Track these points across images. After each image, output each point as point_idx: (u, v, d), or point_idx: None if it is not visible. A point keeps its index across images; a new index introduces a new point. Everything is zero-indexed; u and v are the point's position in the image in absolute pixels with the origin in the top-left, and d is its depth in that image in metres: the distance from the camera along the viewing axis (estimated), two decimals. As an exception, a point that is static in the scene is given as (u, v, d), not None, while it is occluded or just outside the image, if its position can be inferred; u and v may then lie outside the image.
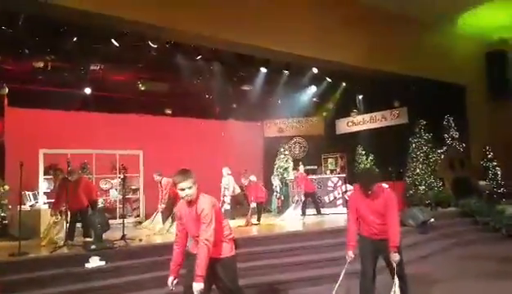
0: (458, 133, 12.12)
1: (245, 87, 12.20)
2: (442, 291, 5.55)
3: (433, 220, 9.09)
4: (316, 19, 9.50)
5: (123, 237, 6.88)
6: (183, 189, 3.16)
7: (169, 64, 9.84)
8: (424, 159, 11.48)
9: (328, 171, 13.55)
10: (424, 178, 11.33)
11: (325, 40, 9.47)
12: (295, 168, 13.12)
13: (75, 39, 8.40)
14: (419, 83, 11.37)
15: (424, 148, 11.55)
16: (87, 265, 5.56)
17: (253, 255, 6.52)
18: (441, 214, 10.28)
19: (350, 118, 14.30)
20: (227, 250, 3.39)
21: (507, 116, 12.63)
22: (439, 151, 11.78)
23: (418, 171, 11.42)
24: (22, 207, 6.62)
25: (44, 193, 9.44)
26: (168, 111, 12.54)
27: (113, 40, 8.51)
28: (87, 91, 10.92)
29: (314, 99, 14.09)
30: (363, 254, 4.29)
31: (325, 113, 14.95)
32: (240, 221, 9.55)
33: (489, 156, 12.34)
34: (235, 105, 13.35)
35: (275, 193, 12.19)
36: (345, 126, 14.55)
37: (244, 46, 8.86)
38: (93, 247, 5.99)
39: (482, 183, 11.87)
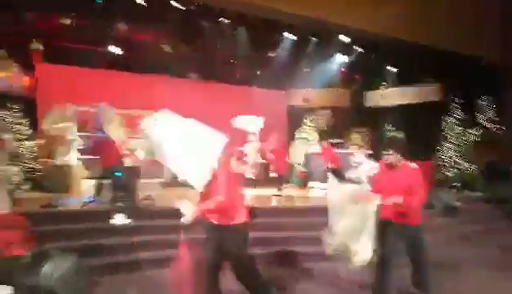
0: (494, 114, 11.42)
1: (271, 54, 11.76)
2: (465, 279, 5.39)
3: (459, 203, 8.73)
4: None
5: (149, 196, 7.09)
6: None
7: (195, 26, 9.54)
8: (456, 140, 10.92)
9: (352, 146, 13.11)
10: (454, 159, 10.81)
11: (356, 7, 8.90)
12: (320, 141, 12.82)
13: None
14: (455, 59, 10.64)
15: (458, 128, 10.97)
16: (112, 222, 5.77)
17: (272, 225, 6.55)
18: (469, 198, 9.86)
19: (380, 91, 13.68)
20: (240, 216, 3.43)
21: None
22: (472, 132, 11.17)
23: (449, 151, 10.89)
24: (54, 161, 6.84)
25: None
26: (193, 75, 12.27)
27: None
28: (115, 49, 10.81)
29: (343, 69, 13.50)
30: (383, 238, 4.05)
31: (353, 85, 14.35)
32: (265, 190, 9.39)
33: (527, 140, 11.64)
34: (259, 72, 12.95)
35: (296, 165, 11.95)
36: (374, 99, 13.95)
37: (271, 11, 8.44)
38: (119, 204, 6.14)
39: (516, 168, 11.25)
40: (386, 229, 4.02)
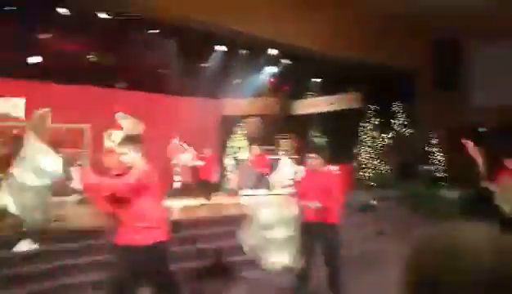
0: (405, 119, 12.71)
1: (202, 64, 12.06)
2: (382, 274, 5.72)
3: (375, 202, 9.60)
4: (276, 3, 9.52)
5: (58, 218, 6.18)
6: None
7: (123, 36, 9.55)
8: (372, 143, 12.00)
9: (281, 153, 13.78)
10: (370, 161, 11.86)
11: (283, 24, 9.52)
12: (250, 148, 13.31)
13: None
14: (372, 69, 11.74)
15: (373, 132, 12.07)
16: (15, 249, 5.07)
17: (200, 237, 6.57)
18: (384, 196, 10.85)
19: (306, 100, 14.54)
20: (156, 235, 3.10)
21: (452, 104, 13.37)
22: (387, 136, 12.34)
23: (366, 154, 11.93)
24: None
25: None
26: (121, 84, 12.16)
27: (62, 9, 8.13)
28: (36, 59, 10.40)
29: (271, 79, 14.17)
30: (304, 241, 4.18)
31: (281, 94, 15.08)
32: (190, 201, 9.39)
33: (433, 142, 13.07)
34: (191, 82, 13.16)
35: (227, 173, 12.31)
36: (301, 107, 14.78)
37: (202, 24, 8.74)
38: (24, 228, 5.24)
39: (424, 167, 12.59)
40: (307, 231, 4.16)
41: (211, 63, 11.70)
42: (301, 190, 4.41)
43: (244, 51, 11.30)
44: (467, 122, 13.07)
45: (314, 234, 4.18)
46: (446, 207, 10.64)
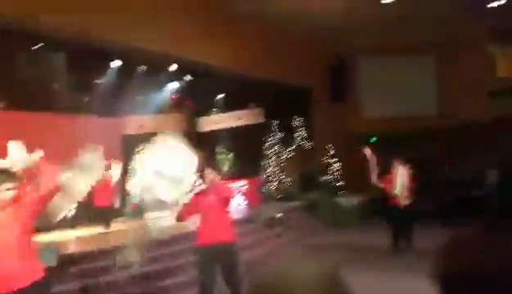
0: (305, 132, 13.36)
1: (98, 80, 11.35)
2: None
3: (281, 214, 9.85)
4: (176, 17, 9.36)
5: None
6: None
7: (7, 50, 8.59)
8: (276, 157, 12.37)
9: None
10: (275, 175, 12.19)
11: (183, 38, 9.39)
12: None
13: None
14: (272, 86, 12.16)
15: (276, 146, 12.46)
16: None
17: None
18: (289, 208, 11.23)
19: (211, 117, 14.51)
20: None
21: (345, 116, 14.45)
22: (289, 149, 12.83)
23: (271, 168, 12.24)
24: None
25: None
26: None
27: None
28: None
29: (175, 95, 13.87)
30: (201, 266, 4.20)
31: (185, 110, 14.84)
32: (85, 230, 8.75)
33: (331, 153, 13.91)
34: (87, 99, 12.29)
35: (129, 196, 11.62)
36: (206, 124, 14.70)
37: (94, 39, 8.22)
38: None
39: (324, 178, 13.31)
40: (203, 255, 4.17)
41: (107, 79, 11.05)
42: (192, 208, 4.30)
43: (142, 67, 10.89)
44: (359, 132, 14.20)
45: (213, 257, 4.11)
46: (345, 213, 11.37)
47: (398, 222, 7.45)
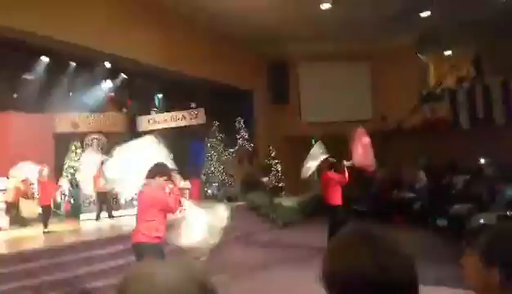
0: (247, 134, 13.44)
1: (27, 76, 10.63)
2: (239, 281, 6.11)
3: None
4: (108, 11, 9.00)
5: None
6: None
7: None
8: (217, 158, 12.32)
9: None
10: (217, 175, 12.14)
11: (116, 35, 9.06)
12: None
13: None
14: (214, 87, 12.11)
15: (218, 147, 12.41)
16: None
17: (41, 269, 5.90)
18: (232, 208, 11.19)
19: (151, 116, 14.14)
20: None
21: (286, 119, 14.74)
22: (231, 150, 12.84)
23: (212, 168, 12.17)
24: None
25: None
26: None
27: None
28: None
29: (111, 94, 13.34)
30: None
31: (125, 110, 14.34)
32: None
33: (272, 154, 14.11)
34: (15, 95, 11.47)
35: (62, 196, 11.05)
36: (146, 123, 14.29)
37: (19, 32, 7.69)
38: None
39: (265, 179, 13.48)
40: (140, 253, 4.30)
41: (36, 75, 10.40)
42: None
43: (74, 63, 10.37)
44: (300, 135, 14.55)
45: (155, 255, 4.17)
46: (286, 213, 11.58)
47: (334, 220, 7.69)
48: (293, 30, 12.73)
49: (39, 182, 9.04)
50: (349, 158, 8.06)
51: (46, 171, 8.95)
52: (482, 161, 11.71)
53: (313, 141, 15.96)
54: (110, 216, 10.40)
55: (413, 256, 0.86)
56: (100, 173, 9.88)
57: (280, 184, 13.80)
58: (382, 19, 12.35)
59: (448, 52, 16.62)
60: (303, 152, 15.12)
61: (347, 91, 14.64)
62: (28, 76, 10.65)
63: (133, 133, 14.11)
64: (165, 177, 4.44)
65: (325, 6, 11.50)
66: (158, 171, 4.39)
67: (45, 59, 9.77)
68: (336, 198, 7.77)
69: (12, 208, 9.65)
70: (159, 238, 4.32)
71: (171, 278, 0.71)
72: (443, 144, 12.25)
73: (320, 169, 8.22)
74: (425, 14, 12.47)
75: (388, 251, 0.83)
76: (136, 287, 0.71)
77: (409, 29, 13.39)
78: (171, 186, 4.56)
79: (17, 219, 9.68)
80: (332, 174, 7.83)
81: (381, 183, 12.33)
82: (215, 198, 11.59)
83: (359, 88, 14.99)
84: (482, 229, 1.29)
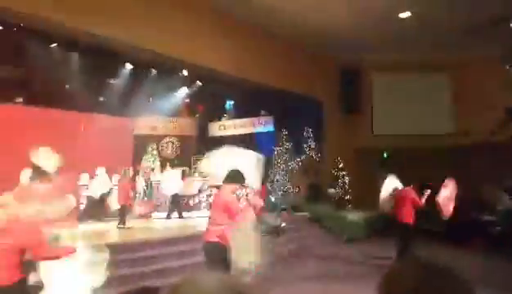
0: (315, 144, 13.28)
1: (111, 81, 11.55)
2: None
3: (284, 224, 9.78)
4: (187, 22, 9.47)
5: None
6: None
7: (19, 48, 8.84)
8: (284, 166, 12.33)
9: (196, 174, 13.55)
10: (282, 184, 12.14)
11: (194, 44, 9.49)
12: (163, 170, 12.94)
13: None
14: (283, 95, 12.16)
15: (285, 156, 12.41)
16: None
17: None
18: (294, 219, 11.15)
19: (221, 122, 14.59)
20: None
21: (356, 130, 14.31)
22: (297, 159, 12.76)
23: (278, 177, 12.20)
24: None
25: None
26: (19, 99, 11.19)
27: None
28: None
29: (187, 100, 14.00)
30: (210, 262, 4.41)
31: (197, 115, 14.97)
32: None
33: (340, 166, 13.77)
34: (101, 98, 12.51)
35: (138, 195, 11.79)
36: (217, 129, 14.79)
37: (107, 40, 8.38)
38: None
39: (331, 190, 13.19)
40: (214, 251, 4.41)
41: (120, 80, 11.25)
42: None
43: (155, 71, 11.06)
44: (370, 147, 14.04)
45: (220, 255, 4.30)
46: (351, 228, 11.22)
47: (404, 239, 7.32)
48: (368, 39, 12.37)
49: (120, 182, 9.81)
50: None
51: (128, 172, 9.83)
52: None
53: (384, 155, 15.47)
54: (180, 216, 10.89)
55: (486, 284, 0.82)
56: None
57: (346, 197, 13.42)
58: (464, 28, 11.55)
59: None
60: (373, 165, 14.71)
61: (423, 103, 13.86)
62: (113, 81, 11.56)
63: (204, 138, 14.75)
64: (238, 186, 4.67)
65: (404, 14, 11.04)
66: (234, 177, 4.58)
67: (129, 66, 10.51)
68: (408, 216, 7.38)
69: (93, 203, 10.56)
70: (224, 239, 4.43)
71: (214, 288, 0.77)
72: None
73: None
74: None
75: (448, 286, 0.81)
76: (181, 291, 0.77)
77: (496, 39, 12.36)
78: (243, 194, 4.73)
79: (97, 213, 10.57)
80: (410, 191, 7.46)
81: (459, 203, 11.43)
82: (279, 207, 11.60)
83: (437, 100, 14.11)
84: None
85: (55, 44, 9.07)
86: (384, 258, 8.33)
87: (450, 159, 12.73)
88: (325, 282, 6.81)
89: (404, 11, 10.91)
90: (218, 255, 4.30)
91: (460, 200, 11.52)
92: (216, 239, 4.38)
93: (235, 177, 4.59)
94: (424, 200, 7.39)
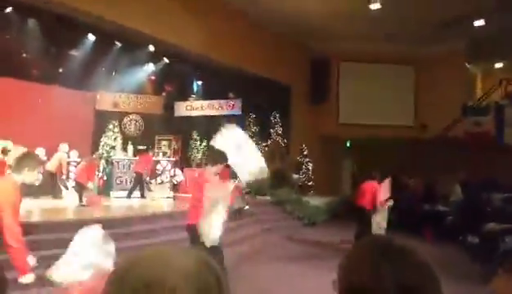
0: (282, 129, 13.34)
1: (72, 52, 10.97)
2: (259, 273, 6.20)
3: (247, 207, 9.81)
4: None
5: None
6: None
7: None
8: (249, 150, 12.30)
9: (161, 154, 13.26)
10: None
11: (163, 20, 9.16)
12: (124, 148, 12.56)
13: None
14: (252, 79, 12.06)
15: (252, 140, 12.34)
16: None
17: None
18: (257, 202, 11.21)
19: (189, 102, 14.29)
20: None
21: (323, 118, 14.50)
22: (264, 144, 12.78)
23: (243, 160, 12.17)
24: None
25: None
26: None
27: None
28: None
29: (153, 77, 13.57)
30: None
31: (164, 94, 14.56)
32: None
33: (304, 152, 13.94)
34: (61, 70, 11.85)
35: (96, 173, 11.37)
36: (183, 109, 14.47)
37: (68, 8, 7.90)
38: None
39: (295, 176, 13.34)
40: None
41: (81, 52, 10.71)
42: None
43: (119, 44, 10.59)
44: (335, 135, 14.29)
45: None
46: (313, 212, 11.45)
47: (363, 224, 7.57)
48: (338, 28, 12.47)
49: (88, 162, 9.43)
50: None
51: (97, 155, 10.08)
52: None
53: (348, 144, 15.81)
54: (143, 196, 10.64)
55: (438, 272, 0.81)
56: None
57: (309, 183, 13.64)
58: (432, 23, 11.88)
59: (499, 65, 15.84)
60: (336, 153, 15.03)
61: (389, 94, 14.22)
62: (74, 52, 10.99)
63: (169, 118, 14.41)
64: (222, 166, 4.55)
65: (375, 5, 11.17)
66: (217, 158, 4.49)
67: (92, 37, 10.01)
68: (369, 203, 7.64)
69: (50, 179, 10.05)
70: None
71: (186, 261, 0.67)
72: (484, 159, 11.70)
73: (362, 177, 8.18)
74: (479, 23, 11.89)
75: (407, 266, 0.80)
76: (146, 264, 0.65)
77: (460, 37, 12.83)
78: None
79: (52, 190, 10.11)
80: (376, 185, 7.68)
81: (414, 194, 11.92)
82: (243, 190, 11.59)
83: (402, 93, 14.53)
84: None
85: (10, 8, 8.43)
86: (343, 241, 8.65)
87: (408, 151, 13.21)
88: (285, 263, 6.95)
89: (375, 2, 11.04)
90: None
91: (415, 191, 12.06)
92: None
93: (219, 157, 4.50)
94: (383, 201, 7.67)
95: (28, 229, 5.74)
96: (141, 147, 12.33)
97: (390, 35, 12.82)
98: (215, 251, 4.12)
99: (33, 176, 3.12)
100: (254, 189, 11.89)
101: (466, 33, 12.58)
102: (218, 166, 4.44)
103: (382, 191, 7.63)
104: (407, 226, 10.34)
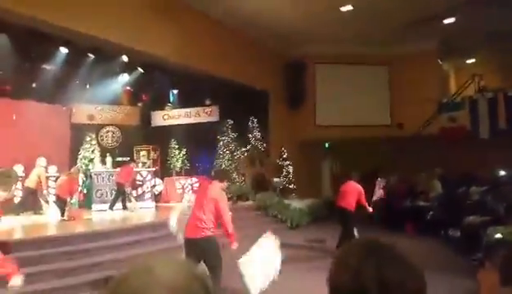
0: (260, 134, 13.37)
1: (45, 66, 10.77)
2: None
3: (230, 213, 9.76)
4: (128, 4, 9.04)
5: None
6: None
7: None
8: (229, 156, 12.30)
9: (140, 164, 13.10)
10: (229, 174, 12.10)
11: (136, 29, 9.07)
12: (103, 160, 12.38)
13: None
14: (228, 85, 12.06)
15: (231, 146, 12.38)
16: None
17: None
18: (239, 207, 11.18)
19: (165, 112, 14.21)
20: None
21: (301, 121, 14.60)
22: (243, 149, 12.79)
23: (223, 166, 12.15)
24: None
25: None
26: None
27: None
28: None
29: (128, 87, 13.43)
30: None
31: (140, 104, 14.43)
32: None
33: (284, 156, 14.00)
34: (34, 85, 11.62)
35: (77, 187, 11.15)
36: (160, 118, 14.38)
37: (39, 22, 7.75)
38: None
39: (276, 179, 13.38)
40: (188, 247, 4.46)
41: (54, 66, 10.53)
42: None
43: (92, 55, 10.46)
44: (313, 138, 14.41)
45: (194, 250, 4.42)
46: (295, 215, 11.48)
47: (346, 225, 7.62)
48: (311, 31, 12.62)
49: (68, 176, 9.26)
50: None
51: (76, 169, 9.83)
52: (502, 173, 11.39)
53: (326, 145, 15.96)
54: (124, 208, 10.50)
55: (422, 267, 0.84)
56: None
57: (290, 186, 13.70)
58: (403, 23, 12.16)
59: (471, 60, 16.31)
60: (316, 155, 15.14)
61: (365, 95, 14.42)
62: (47, 66, 10.80)
63: (147, 128, 14.28)
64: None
65: (346, 8, 11.37)
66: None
67: (64, 50, 9.87)
68: (351, 204, 7.70)
69: (30, 195, 9.83)
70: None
71: (173, 274, 0.69)
72: (461, 153, 11.98)
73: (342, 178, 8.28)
74: (449, 21, 12.23)
75: (395, 264, 0.82)
76: (134, 279, 0.67)
77: (431, 36, 13.16)
78: None
79: (33, 205, 9.88)
80: (357, 185, 7.78)
81: (394, 190, 12.10)
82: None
83: (377, 93, 14.77)
84: (499, 244, 1.23)
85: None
86: (325, 242, 8.71)
87: (387, 150, 13.43)
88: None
89: (345, 4, 11.23)
90: (214, 248, 4.43)
91: (396, 188, 12.25)
92: (205, 234, 4.40)
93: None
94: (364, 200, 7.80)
95: (13, 246, 5.65)
96: (122, 158, 12.20)
97: (363, 36, 13.05)
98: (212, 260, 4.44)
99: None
100: (236, 194, 11.89)
101: (437, 31, 12.91)
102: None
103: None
104: (390, 222, 10.52)
